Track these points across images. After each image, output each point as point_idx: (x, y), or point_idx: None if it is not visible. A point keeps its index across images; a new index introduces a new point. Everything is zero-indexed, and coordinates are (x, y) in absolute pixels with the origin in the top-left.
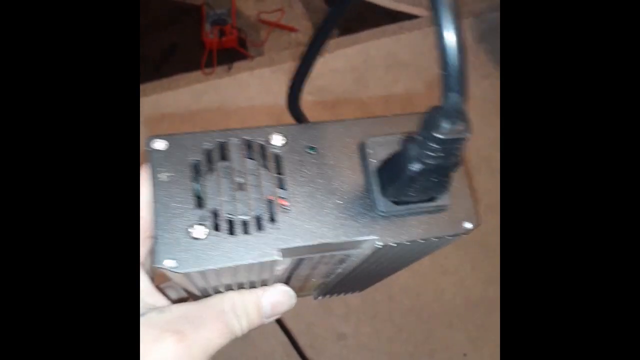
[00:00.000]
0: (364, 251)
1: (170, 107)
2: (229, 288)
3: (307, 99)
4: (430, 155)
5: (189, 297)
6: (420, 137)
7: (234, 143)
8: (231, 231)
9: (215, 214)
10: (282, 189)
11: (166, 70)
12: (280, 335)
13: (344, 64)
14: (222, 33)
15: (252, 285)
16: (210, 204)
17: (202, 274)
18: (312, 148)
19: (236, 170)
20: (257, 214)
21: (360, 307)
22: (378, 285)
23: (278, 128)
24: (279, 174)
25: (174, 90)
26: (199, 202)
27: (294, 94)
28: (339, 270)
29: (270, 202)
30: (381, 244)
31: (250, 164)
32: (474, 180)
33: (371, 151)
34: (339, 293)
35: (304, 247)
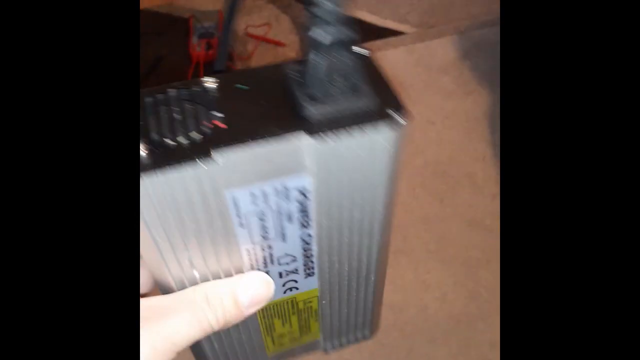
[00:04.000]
0: (314, 180)
1: None
2: (205, 279)
3: None
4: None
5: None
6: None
7: (171, 94)
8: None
9: (154, 142)
10: (218, 114)
11: (152, 82)
12: None
13: None
14: (209, 46)
15: (228, 275)
16: (150, 135)
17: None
18: (243, 85)
19: (173, 109)
20: (194, 138)
21: None
22: None
23: (211, 77)
24: (215, 109)
25: None
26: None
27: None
28: (312, 246)
29: (206, 127)
30: (317, 140)
31: (187, 104)
32: (457, 195)
33: (292, 72)
34: (347, 335)
35: (241, 147)
